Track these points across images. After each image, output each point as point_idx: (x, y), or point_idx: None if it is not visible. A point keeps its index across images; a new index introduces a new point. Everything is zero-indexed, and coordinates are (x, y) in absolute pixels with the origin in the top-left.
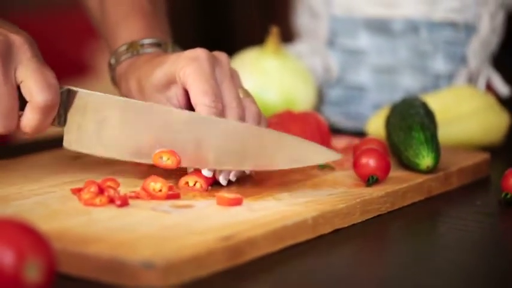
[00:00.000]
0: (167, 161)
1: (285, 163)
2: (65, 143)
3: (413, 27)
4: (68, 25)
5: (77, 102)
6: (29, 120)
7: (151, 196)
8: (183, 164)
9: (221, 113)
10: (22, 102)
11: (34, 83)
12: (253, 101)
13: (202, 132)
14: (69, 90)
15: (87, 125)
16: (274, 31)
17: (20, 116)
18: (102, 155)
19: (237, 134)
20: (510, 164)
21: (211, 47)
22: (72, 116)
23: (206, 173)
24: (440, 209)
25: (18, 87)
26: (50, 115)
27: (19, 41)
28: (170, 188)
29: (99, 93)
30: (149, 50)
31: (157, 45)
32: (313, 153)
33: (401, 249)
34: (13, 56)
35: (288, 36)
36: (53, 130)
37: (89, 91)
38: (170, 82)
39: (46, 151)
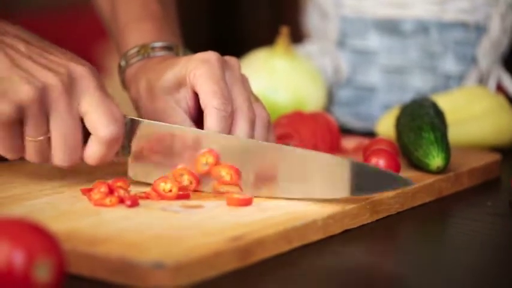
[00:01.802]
0: (225, 176)
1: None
2: (130, 174)
3: (423, 27)
4: (77, 26)
5: (140, 132)
6: (94, 153)
7: (162, 196)
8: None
9: (230, 116)
10: (85, 134)
11: (98, 116)
12: (263, 107)
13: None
14: (132, 120)
15: (151, 156)
16: (284, 32)
17: (83, 148)
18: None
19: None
20: None
21: (221, 48)
22: (136, 146)
23: None
24: (450, 210)
25: (82, 119)
26: (114, 147)
27: (82, 72)
28: (180, 189)
29: (161, 123)
30: (160, 53)
31: (169, 48)
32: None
33: (411, 250)
34: (76, 88)
35: (298, 36)
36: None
37: (151, 121)
38: (180, 84)
39: None
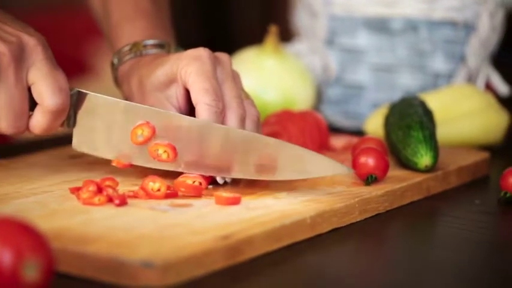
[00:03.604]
0: (143, 134)
1: (291, 174)
2: (74, 145)
3: (412, 26)
4: (68, 25)
5: (87, 104)
6: (39, 122)
7: (150, 195)
8: (185, 169)
9: (221, 112)
10: (32, 103)
11: (45, 86)
12: (253, 104)
13: (206, 138)
14: (79, 93)
15: (96, 127)
16: (273, 30)
17: (29, 117)
18: (110, 158)
19: (242, 141)
20: (509, 163)
21: (210, 46)
22: (82, 118)
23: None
24: (439, 208)
25: (29, 89)
26: (59, 118)
27: (32, 43)
28: (168, 187)
29: (107, 96)
30: (152, 51)
31: (161, 46)
32: (323, 166)
33: (400, 248)
34: (26, 57)
35: (287, 35)
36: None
37: (98, 94)
38: (171, 81)
39: (45, 150)
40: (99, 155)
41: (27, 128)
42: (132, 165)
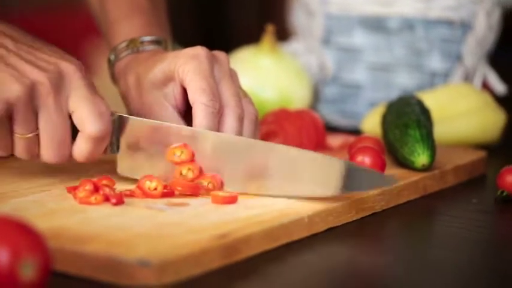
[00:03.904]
0: (181, 156)
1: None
2: (119, 170)
3: (409, 25)
4: (66, 23)
5: (129, 129)
6: (82, 149)
7: (147, 194)
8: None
9: (218, 112)
10: (74, 131)
11: (86, 113)
12: (251, 102)
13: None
14: (120, 117)
15: (140, 153)
16: (270, 29)
17: (72, 145)
18: None
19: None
20: (506, 162)
21: (207, 45)
22: (125, 143)
23: None
24: (436, 207)
25: (70, 117)
26: (102, 144)
27: (71, 69)
28: (165, 187)
29: (149, 120)
30: (149, 47)
31: (157, 43)
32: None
33: (397, 247)
34: (65, 85)
35: (283, 34)
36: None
37: (139, 118)
38: (168, 79)
39: None
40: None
41: (71, 156)
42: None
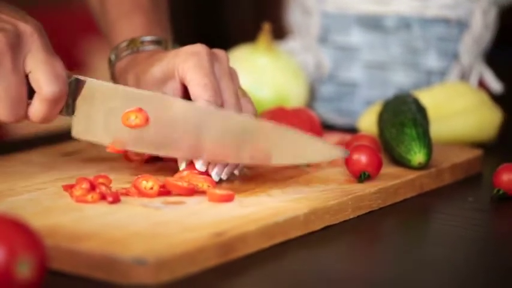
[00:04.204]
0: (136, 120)
1: (285, 159)
2: (74, 132)
3: (405, 23)
4: (64, 22)
5: (85, 92)
6: (37, 110)
7: (142, 194)
8: (180, 155)
9: (220, 108)
10: (30, 91)
11: (42, 74)
12: (250, 101)
13: (202, 122)
14: (77, 80)
15: (95, 114)
16: (266, 28)
17: (28, 105)
18: (107, 144)
19: (237, 125)
20: (502, 160)
21: (203, 43)
22: (81, 105)
23: (199, 166)
24: (432, 206)
25: (27, 77)
26: (58, 106)
27: (29, 30)
28: (161, 186)
29: (106, 82)
30: (149, 47)
31: (158, 42)
32: (317, 150)
33: (393, 246)
34: (22, 45)
35: (280, 33)
36: (46, 127)
37: (96, 80)
38: (168, 77)
39: (38, 148)
40: (97, 141)
41: (26, 116)
42: (126, 152)
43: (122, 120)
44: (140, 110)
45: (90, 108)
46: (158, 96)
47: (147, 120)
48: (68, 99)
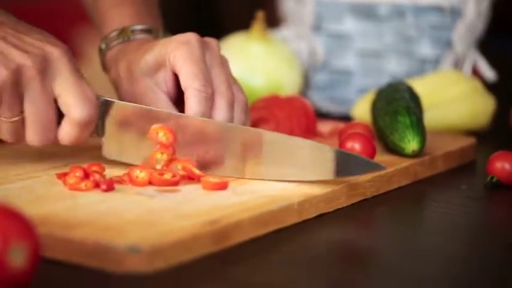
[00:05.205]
0: (162, 137)
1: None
2: (105, 153)
3: (399, 11)
4: (57, 11)
5: (114, 113)
6: (68, 134)
7: (134, 182)
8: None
9: (210, 97)
10: (59, 115)
11: (71, 97)
12: (241, 89)
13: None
14: (106, 101)
15: (125, 136)
16: (260, 16)
17: (57, 128)
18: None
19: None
20: (496, 148)
21: (197, 32)
22: (110, 126)
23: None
24: (426, 193)
25: (56, 100)
26: (88, 128)
27: (57, 54)
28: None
29: (134, 104)
30: (140, 36)
31: (148, 31)
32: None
33: (387, 233)
34: (51, 69)
35: (273, 21)
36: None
37: (124, 102)
38: (159, 66)
39: None
40: (129, 162)
41: (56, 139)
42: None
43: (149, 135)
44: (170, 130)
45: (119, 129)
46: (182, 115)
47: (175, 137)
48: (98, 120)
